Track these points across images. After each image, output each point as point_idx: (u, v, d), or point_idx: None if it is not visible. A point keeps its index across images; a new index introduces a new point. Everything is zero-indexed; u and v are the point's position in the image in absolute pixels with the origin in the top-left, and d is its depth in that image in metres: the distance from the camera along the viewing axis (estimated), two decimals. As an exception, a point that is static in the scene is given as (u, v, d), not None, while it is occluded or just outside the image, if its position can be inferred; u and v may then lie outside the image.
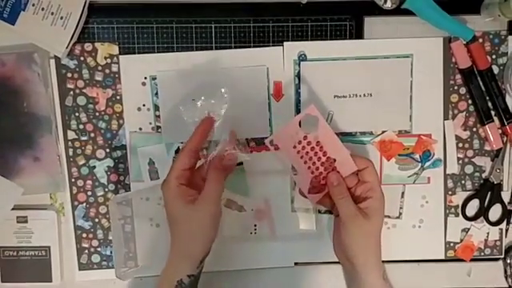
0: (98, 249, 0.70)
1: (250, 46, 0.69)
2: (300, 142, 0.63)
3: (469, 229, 0.72)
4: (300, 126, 0.63)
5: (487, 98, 0.70)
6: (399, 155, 0.71)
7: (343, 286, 0.72)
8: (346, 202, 0.62)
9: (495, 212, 0.72)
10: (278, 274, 0.72)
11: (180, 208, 0.59)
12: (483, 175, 0.72)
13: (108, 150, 0.69)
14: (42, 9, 0.64)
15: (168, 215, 0.60)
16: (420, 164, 0.71)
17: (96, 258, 0.71)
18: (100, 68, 0.68)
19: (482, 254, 0.73)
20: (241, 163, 0.69)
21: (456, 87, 0.70)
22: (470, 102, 0.70)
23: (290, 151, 0.63)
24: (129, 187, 0.70)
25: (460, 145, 0.71)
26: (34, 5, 0.64)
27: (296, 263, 0.72)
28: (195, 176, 0.62)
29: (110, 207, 0.68)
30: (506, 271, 0.73)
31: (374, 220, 0.62)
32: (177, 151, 0.69)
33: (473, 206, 0.72)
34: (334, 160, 0.63)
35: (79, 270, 0.71)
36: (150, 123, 0.69)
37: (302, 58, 0.69)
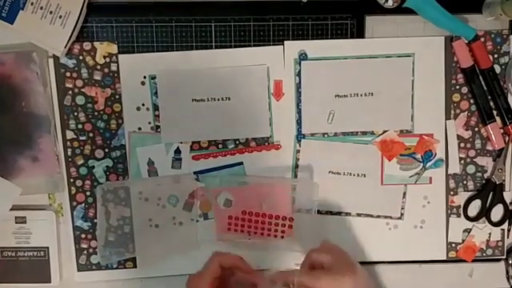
0: (97, 249, 0.70)
1: (250, 45, 0.68)
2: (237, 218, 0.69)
3: (470, 229, 0.72)
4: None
5: (489, 97, 0.70)
6: (401, 155, 0.70)
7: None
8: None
9: (497, 212, 0.72)
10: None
11: None
12: (485, 175, 0.71)
13: (107, 150, 0.69)
14: (41, 8, 0.64)
15: None
16: (422, 164, 0.70)
17: (95, 259, 0.70)
18: (99, 67, 0.67)
19: (484, 254, 0.72)
20: (241, 163, 0.69)
21: (458, 87, 0.70)
22: (471, 101, 0.70)
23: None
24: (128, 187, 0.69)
25: (462, 145, 0.71)
26: (32, 4, 0.63)
27: (297, 264, 0.71)
28: None
29: (98, 192, 0.67)
30: (507, 272, 0.73)
31: None
32: (176, 151, 0.69)
33: (475, 207, 0.72)
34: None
35: (78, 270, 0.70)
36: (150, 123, 0.69)
37: (303, 56, 0.68)
